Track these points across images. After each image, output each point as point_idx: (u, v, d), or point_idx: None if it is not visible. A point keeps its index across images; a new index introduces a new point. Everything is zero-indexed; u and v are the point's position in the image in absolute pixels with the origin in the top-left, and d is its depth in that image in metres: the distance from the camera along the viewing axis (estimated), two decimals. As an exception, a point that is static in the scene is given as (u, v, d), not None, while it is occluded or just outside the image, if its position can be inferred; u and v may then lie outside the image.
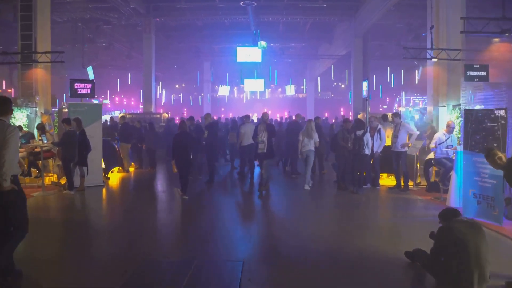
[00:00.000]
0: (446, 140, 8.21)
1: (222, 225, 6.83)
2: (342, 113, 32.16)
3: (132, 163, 12.88)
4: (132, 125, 13.02)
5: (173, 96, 42.66)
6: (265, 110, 15.11)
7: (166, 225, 7.05)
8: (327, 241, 5.78)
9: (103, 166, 10.23)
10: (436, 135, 8.47)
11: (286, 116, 25.84)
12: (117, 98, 40.74)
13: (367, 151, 8.76)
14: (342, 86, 41.88)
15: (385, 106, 35.99)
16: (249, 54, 21.57)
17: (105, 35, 22.79)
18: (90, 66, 24.09)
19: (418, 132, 9.23)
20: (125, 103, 40.12)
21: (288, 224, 6.85)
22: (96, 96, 21.06)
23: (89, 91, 9.75)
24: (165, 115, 20.23)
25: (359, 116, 19.77)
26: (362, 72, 20.03)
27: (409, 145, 8.99)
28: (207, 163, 10.54)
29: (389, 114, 10.93)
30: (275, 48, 25.89)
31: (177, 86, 42.34)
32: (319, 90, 33.87)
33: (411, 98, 25.98)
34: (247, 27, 21.51)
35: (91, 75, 24.45)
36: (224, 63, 31.00)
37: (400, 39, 21.73)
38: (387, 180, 10.38)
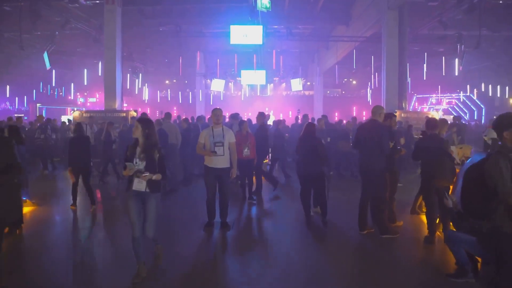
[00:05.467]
0: None
1: None
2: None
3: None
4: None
5: (163, 92, 37.51)
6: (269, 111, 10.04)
7: None
8: None
9: None
10: None
11: (293, 116, 20.81)
12: (97, 95, 35.60)
13: None
14: (354, 82, 37.10)
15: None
16: (246, 34, 16.43)
17: (62, 11, 17.76)
18: (46, 52, 19.28)
19: None
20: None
21: None
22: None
23: None
24: (133, 113, 15.10)
25: (396, 114, 14.64)
26: (397, 54, 14.92)
27: None
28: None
29: None
30: (280, 31, 20.74)
31: (167, 82, 37.25)
32: (336, 82, 28.69)
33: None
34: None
35: (47, 64, 19.71)
36: (216, 51, 25.90)
37: (443, 16, 16.72)
38: None
